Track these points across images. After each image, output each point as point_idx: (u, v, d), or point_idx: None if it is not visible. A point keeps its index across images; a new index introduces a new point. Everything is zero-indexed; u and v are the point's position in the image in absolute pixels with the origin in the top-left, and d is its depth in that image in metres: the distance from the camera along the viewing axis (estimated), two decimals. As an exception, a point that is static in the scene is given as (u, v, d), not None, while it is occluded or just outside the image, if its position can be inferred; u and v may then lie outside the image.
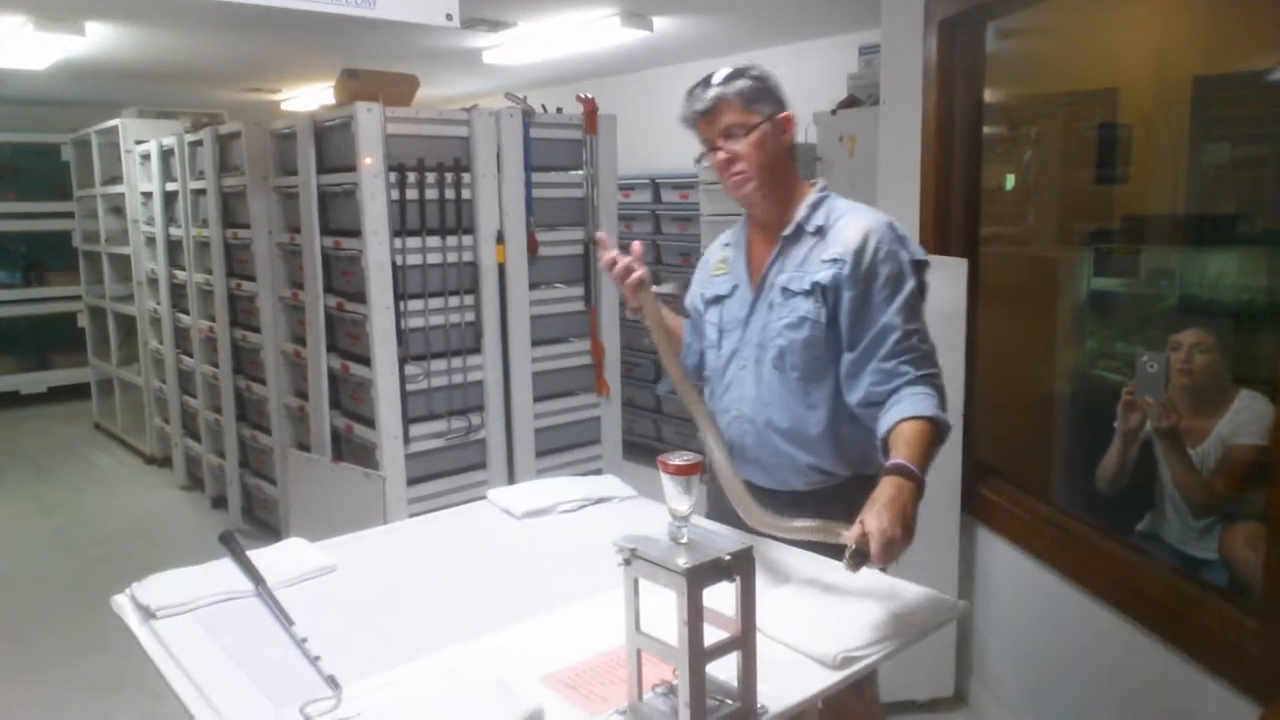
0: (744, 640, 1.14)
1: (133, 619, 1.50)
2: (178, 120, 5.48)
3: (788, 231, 1.78)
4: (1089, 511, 2.58)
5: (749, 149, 1.74)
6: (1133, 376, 2.46)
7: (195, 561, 1.68)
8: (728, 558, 1.10)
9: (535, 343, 3.76)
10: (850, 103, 3.96)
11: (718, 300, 1.89)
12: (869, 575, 1.54)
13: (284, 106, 7.32)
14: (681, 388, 1.74)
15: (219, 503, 4.78)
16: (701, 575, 1.08)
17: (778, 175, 1.78)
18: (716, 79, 1.76)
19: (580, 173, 3.86)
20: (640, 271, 1.74)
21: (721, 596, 1.14)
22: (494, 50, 5.07)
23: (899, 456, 1.53)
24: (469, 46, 5.03)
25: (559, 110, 3.88)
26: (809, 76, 4.88)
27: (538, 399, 3.80)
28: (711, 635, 1.12)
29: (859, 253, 1.69)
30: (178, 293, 5.11)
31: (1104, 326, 3.29)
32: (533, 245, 3.68)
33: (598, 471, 3.92)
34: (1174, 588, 2.14)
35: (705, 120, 1.77)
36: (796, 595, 1.47)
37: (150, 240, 5.39)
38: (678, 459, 1.17)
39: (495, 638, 1.41)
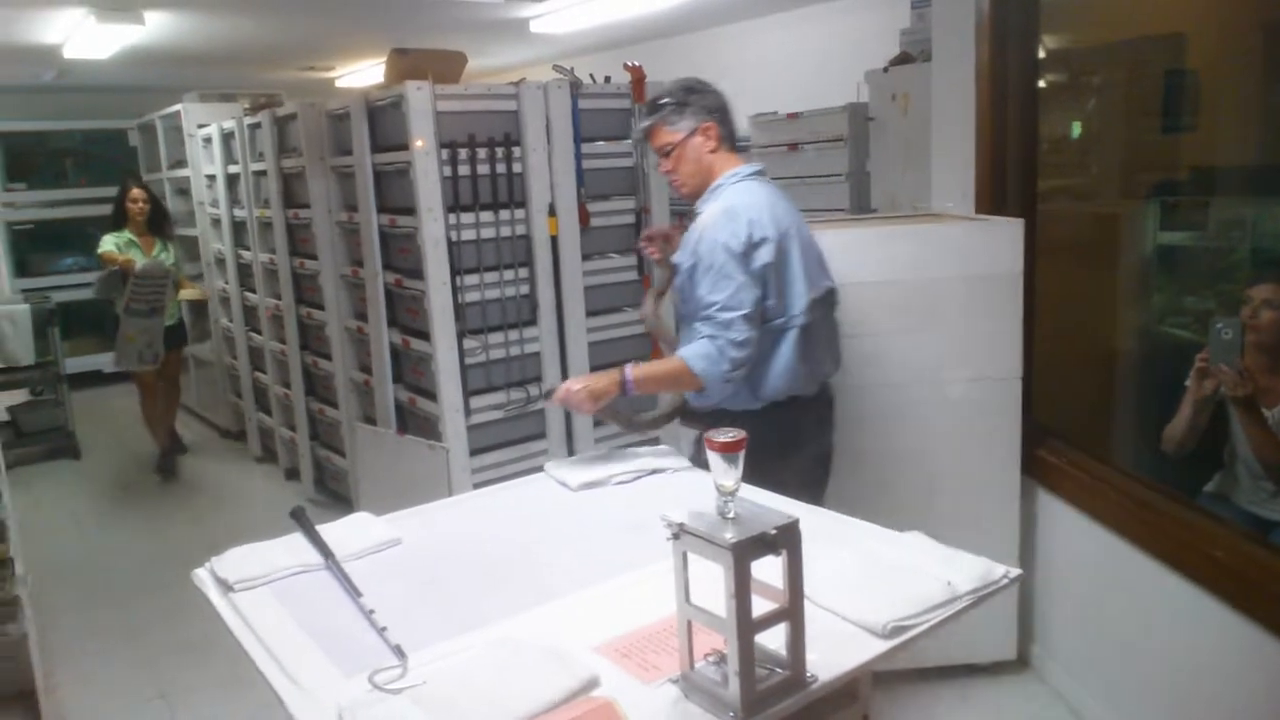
0: (792, 611, 1.16)
1: (213, 592, 1.58)
2: (237, 102, 5.60)
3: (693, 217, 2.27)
4: (1154, 473, 2.53)
5: (675, 163, 2.23)
6: (1203, 334, 2.39)
7: (273, 531, 1.76)
8: (773, 532, 1.12)
9: (590, 313, 3.79)
10: (903, 59, 3.87)
11: None
12: (922, 542, 1.56)
13: (339, 84, 7.43)
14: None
15: (292, 474, 4.96)
16: (747, 550, 1.10)
17: (704, 175, 2.23)
18: (649, 109, 2.25)
19: (630, 142, 3.86)
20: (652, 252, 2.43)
21: (772, 567, 1.16)
22: (541, 19, 5.06)
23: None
24: (516, 16, 5.03)
25: (607, 80, 3.87)
26: (860, 33, 4.78)
27: (594, 368, 3.85)
28: (760, 606, 1.15)
29: (691, 241, 2.16)
30: (244, 272, 5.27)
31: (1171, 282, 3.19)
32: (584, 216, 3.69)
33: (655, 439, 3.96)
34: (1242, 551, 2.10)
35: (648, 141, 2.28)
36: (847, 564, 1.48)
37: (216, 221, 5.55)
38: (723, 436, 1.19)
39: (552, 608, 1.46)
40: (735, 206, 2.11)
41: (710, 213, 2.13)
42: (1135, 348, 3.19)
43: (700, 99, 2.20)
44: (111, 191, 5.35)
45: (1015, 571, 1.46)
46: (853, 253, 2.62)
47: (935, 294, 2.64)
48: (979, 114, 2.89)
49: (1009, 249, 2.64)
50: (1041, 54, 2.90)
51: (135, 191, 5.01)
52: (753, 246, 2.07)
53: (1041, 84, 2.92)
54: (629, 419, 2.40)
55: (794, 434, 2.27)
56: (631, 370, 2.09)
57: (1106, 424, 3.11)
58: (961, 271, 2.64)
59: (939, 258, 2.64)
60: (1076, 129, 3.40)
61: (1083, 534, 2.60)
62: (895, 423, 2.68)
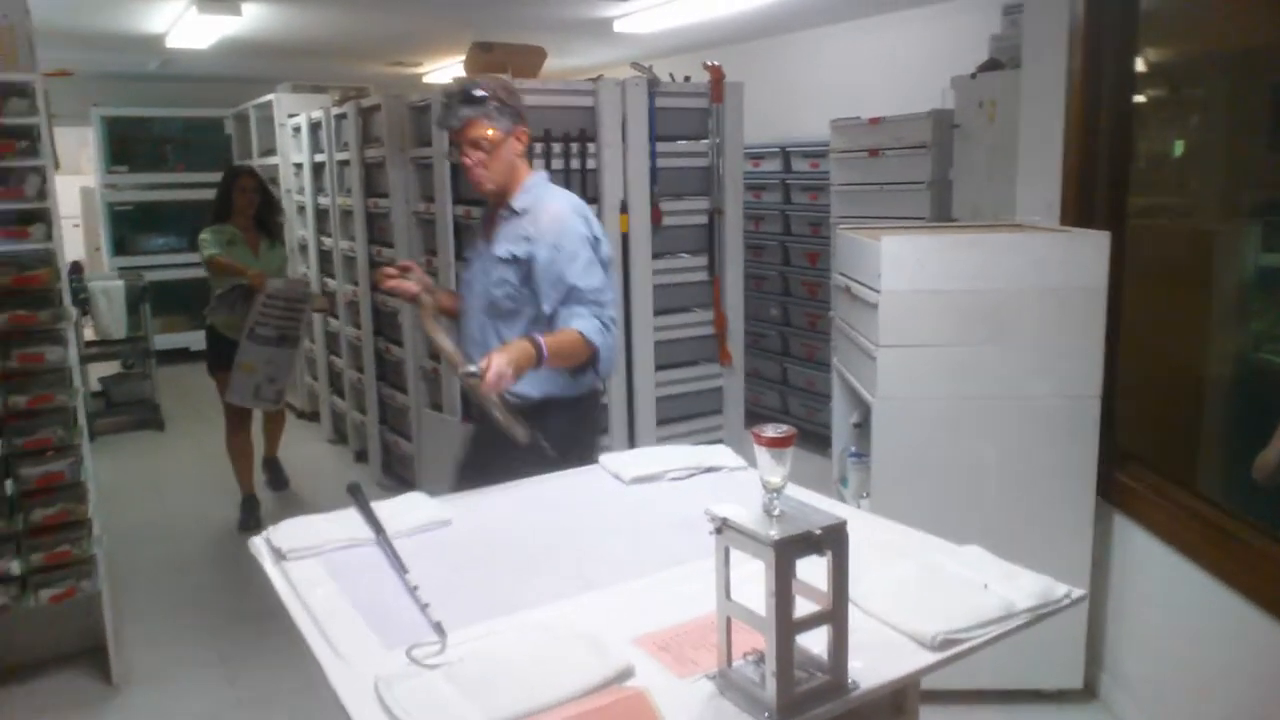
0: (835, 615, 1.12)
1: (267, 560, 1.62)
2: (327, 94, 5.76)
3: (505, 213, 2.31)
4: (1242, 504, 2.40)
5: (491, 160, 2.24)
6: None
7: (338, 510, 1.79)
8: (819, 532, 1.09)
9: (658, 312, 3.78)
10: (991, 65, 3.75)
11: (466, 260, 2.58)
12: (981, 557, 1.49)
13: (425, 80, 7.58)
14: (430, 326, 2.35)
15: (361, 456, 5.06)
16: (790, 548, 1.07)
17: (510, 176, 2.29)
18: (467, 100, 2.21)
19: (706, 142, 3.83)
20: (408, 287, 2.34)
21: (817, 568, 1.12)
22: (625, 19, 5.08)
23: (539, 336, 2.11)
24: (600, 15, 5.05)
25: (686, 79, 3.86)
26: (947, 38, 4.68)
27: (660, 367, 3.83)
28: (803, 607, 1.12)
29: (548, 234, 2.22)
30: (325, 259, 5.41)
31: (1274, 306, 3.02)
32: (656, 215, 3.69)
33: (719, 441, 3.92)
34: (1335, 591, 1.97)
35: (456, 131, 2.24)
36: (899, 573, 1.43)
37: (301, 209, 5.72)
38: (772, 431, 1.16)
39: (593, 597, 1.44)
40: (577, 204, 2.31)
41: (559, 209, 2.26)
42: (1230, 372, 3.03)
43: (517, 101, 2.28)
44: (207, 177, 5.21)
45: (1078, 592, 1.39)
46: (929, 260, 2.55)
47: (1014, 305, 2.55)
48: (1069, 124, 2.79)
49: (1093, 262, 2.54)
50: (1139, 65, 2.78)
51: (246, 180, 4.17)
52: (599, 240, 2.30)
53: (1138, 96, 2.79)
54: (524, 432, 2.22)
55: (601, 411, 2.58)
56: (544, 340, 2.11)
57: (1194, 450, 2.96)
58: (1042, 284, 2.54)
59: (1019, 268, 2.55)
60: (1177, 145, 3.25)
61: (1161, 562, 2.47)
62: (965, 435, 2.60)
